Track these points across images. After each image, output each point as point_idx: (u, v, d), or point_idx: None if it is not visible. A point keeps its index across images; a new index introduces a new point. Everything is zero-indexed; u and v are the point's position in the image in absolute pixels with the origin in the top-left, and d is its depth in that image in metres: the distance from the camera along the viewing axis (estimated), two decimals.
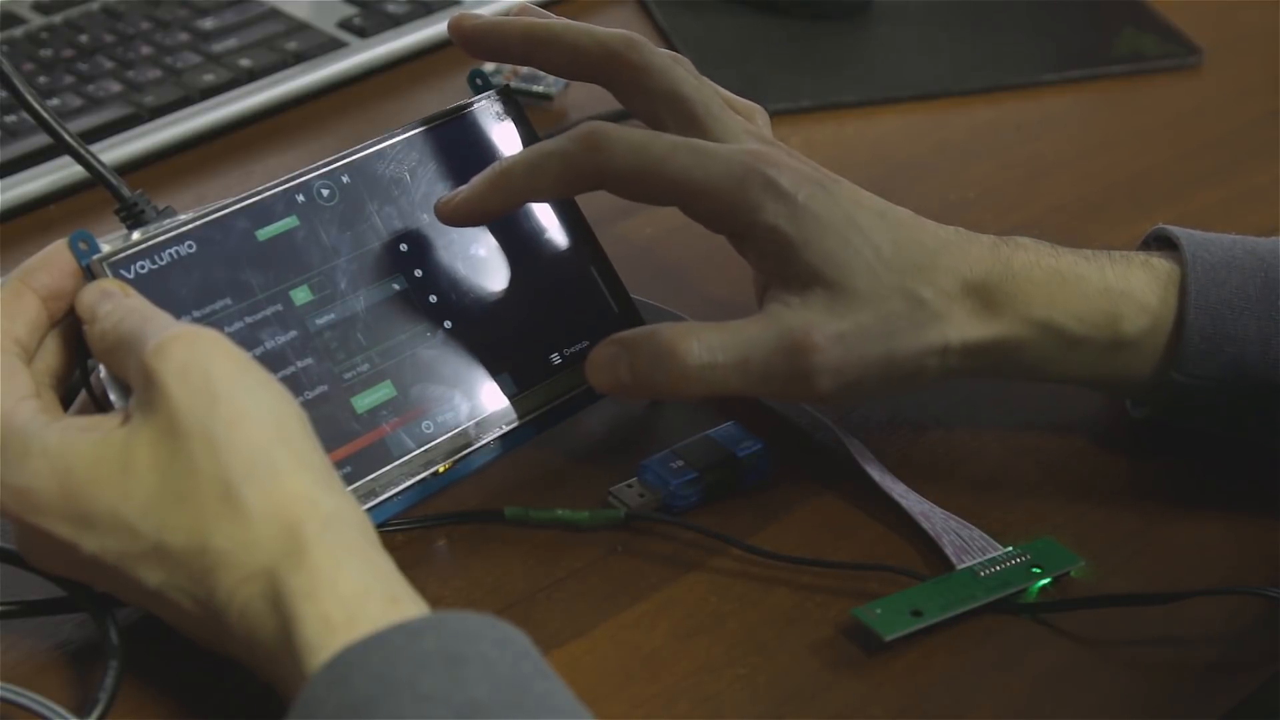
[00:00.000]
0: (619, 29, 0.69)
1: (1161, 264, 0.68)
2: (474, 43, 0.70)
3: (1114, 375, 0.68)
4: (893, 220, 0.66)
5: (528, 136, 0.72)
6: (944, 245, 0.66)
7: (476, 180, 0.67)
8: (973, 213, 0.85)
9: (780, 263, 0.65)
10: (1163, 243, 0.70)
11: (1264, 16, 1.02)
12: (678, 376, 0.65)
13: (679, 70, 0.69)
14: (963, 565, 0.64)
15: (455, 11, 0.97)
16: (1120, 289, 0.67)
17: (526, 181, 0.66)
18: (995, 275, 0.66)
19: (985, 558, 0.65)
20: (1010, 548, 0.65)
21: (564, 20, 0.70)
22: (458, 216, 0.67)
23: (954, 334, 0.66)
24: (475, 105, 0.72)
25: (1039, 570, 0.64)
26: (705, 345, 0.64)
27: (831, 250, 0.65)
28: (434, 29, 0.96)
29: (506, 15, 0.71)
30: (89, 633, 0.61)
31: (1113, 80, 0.97)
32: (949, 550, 0.65)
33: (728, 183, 0.65)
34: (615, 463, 0.69)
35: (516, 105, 0.72)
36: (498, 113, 0.72)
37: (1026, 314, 0.66)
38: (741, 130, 0.68)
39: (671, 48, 0.97)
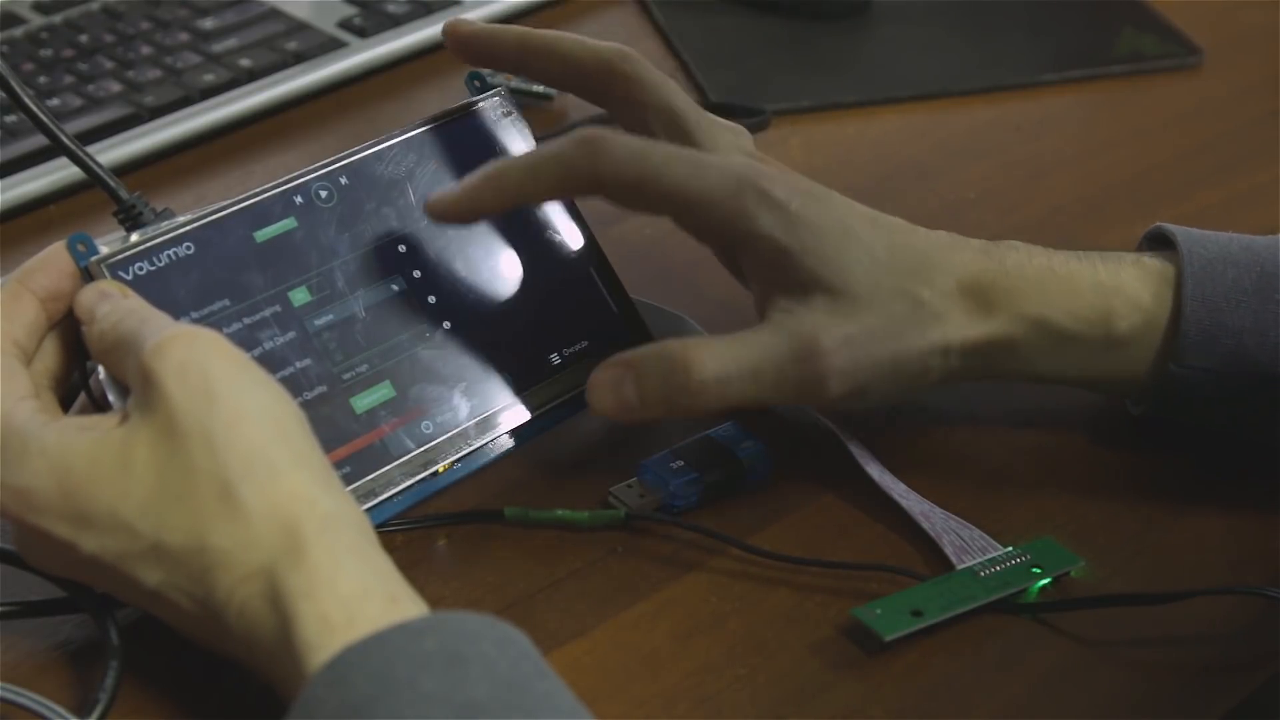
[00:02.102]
0: (613, 42, 0.69)
1: (1153, 262, 0.68)
2: (468, 48, 0.70)
3: (1109, 374, 0.68)
4: (885, 226, 0.67)
5: (526, 138, 0.72)
6: (936, 248, 0.66)
7: (470, 178, 0.66)
8: (973, 213, 0.85)
9: (779, 271, 0.65)
10: (1159, 241, 0.70)
11: (1264, 16, 1.02)
12: (692, 393, 0.64)
13: (672, 84, 0.69)
14: (963, 565, 0.64)
15: (456, 12, 0.97)
16: (1112, 285, 0.67)
17: (520, 184, 0.66)
18: (988, 274, 0.66)
19: (985, 558, 0.65)
20: (1010, 548, 0.65)
21: (558, 32, 0.70)
22: (448, 214, 0.67)
23: (954, 334, 0.66)
24: (473, 107, 0.71)
25: (1039, 570, 0.64)
26: (716, 358, 0.64)
27: (829, 256, 0.65)
28: (434, 29, 0.96)
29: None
30: (89, 633, 0.61)
31: (1113, 80, 0.97)
32: (949, 550, 0.65)
33: (722, 193, 0.65)
34: (615, 463, 0.69)
35: (515, 107, 0.72)
36: (496, 115, 0.72)
37: (1020, 311, 0.66)
38: (732, 145, 0.68)
39: (671, 48, 0.98)
